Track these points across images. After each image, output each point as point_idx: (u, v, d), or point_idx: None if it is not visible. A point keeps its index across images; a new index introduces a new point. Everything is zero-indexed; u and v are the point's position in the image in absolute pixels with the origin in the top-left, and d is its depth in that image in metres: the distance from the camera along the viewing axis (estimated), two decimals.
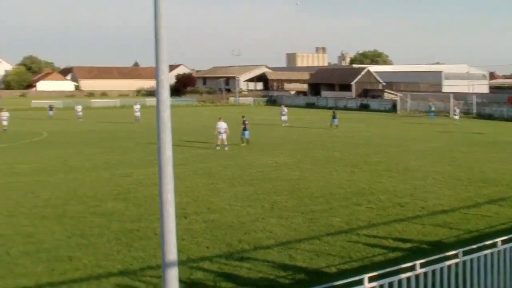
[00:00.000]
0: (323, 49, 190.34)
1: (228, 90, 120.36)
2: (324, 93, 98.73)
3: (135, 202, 19.79)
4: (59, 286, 11.83)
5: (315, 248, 14.34)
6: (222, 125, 34.09)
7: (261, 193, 21.34)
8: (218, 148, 33.73)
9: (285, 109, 54.18)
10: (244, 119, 36.27)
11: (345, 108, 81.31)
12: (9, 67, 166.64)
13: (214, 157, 31.27)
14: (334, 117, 49.36)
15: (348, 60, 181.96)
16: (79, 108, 63.57)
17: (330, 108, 65.72)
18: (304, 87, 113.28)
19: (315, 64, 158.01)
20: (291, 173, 25.97)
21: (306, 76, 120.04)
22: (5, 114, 46.57)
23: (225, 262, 13.23)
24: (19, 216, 17.78)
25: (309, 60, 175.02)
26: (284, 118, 52.55)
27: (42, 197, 20.64)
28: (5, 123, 45.72)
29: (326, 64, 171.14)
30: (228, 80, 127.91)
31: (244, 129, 35.98)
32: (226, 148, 33.63)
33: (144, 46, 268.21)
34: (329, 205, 19.21)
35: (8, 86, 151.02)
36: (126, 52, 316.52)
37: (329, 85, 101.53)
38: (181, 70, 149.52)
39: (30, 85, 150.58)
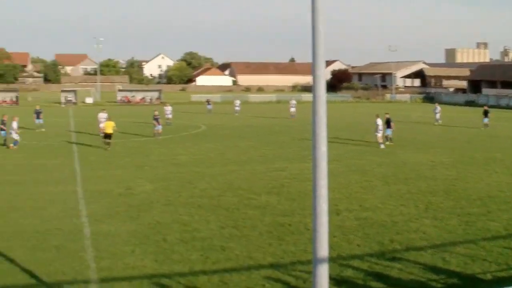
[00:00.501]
0: (485, 44, 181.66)
1: (384, 87, 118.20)
2: (485, 91, 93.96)
3: (288, 196, 20.04)
4: (211, 274, 12.22)
5: (470, 253, 13.69)
6: (379, 122, 33.65)
7: (415, 192, 20.77)
8: (382, 147, 33.20)
9: (439, 107, 52.19)
10: (388, 116, 35.18)
11: (508, 107, 76.81)
12: (171, 62, 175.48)
13: (367, 154, 30.89)
14: (485, 115, 46.74)
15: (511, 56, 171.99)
16: (237, 102, 65.22)
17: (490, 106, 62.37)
18: (464, 84, 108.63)
19: (476, 60, 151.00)
20: (447, 173, 25.02)
21: (466, 72, 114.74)
22: (169, 108, 48.91)
23: (376, 262, 13.02)
24: (177, 205, 18.68)
25: (469, 55, 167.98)
26: (437, 116, 50.69)
27: (199, 187, 21.53)
28: (169, 116, 48.01)
29: (487, 60, 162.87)
30: (384, 76, 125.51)
31: (388, 127, 34.94)
32: (381, 147, 33.01)
33: (300, 42, 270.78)
34: (487, 208, 18.25)
35: (169, 80, 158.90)
36: (283, 47, 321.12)
37: (491, 82, 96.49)
38: (337, 66, 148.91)
39: (190, 80, 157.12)
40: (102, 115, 38.30)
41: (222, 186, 21.85)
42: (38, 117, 43.36)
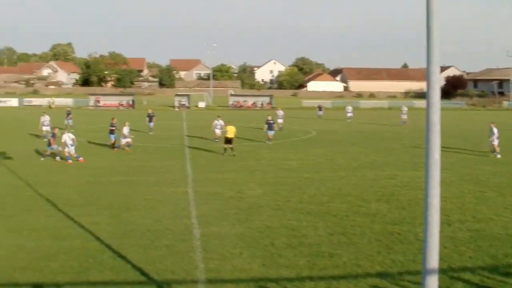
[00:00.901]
0: None
1: (502, 94, 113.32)
2: None
3: (398, 204, 19.59)
4: (318, 281, 12.10)
5: None
6: (495, 130, 32.20)
7: None
8: (498, 156, 31.77)
9: None
10: (492, 125, 33.12)
11: None
12: (282, 68, 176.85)
13: (481, 163, 29.67)
14: None
15: None
16: (349, 108, 64.58)
17: None
18: None
19: None
20: None
21: None
22: (281, 113, 49.20)
23: (488, 276, 12.41)
24: (286, 210, 18.72)
25: None
26: None
27: (308, 193, 21.48)
28: (280, 121, 48.25)
29: None
30: (501, 82, 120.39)
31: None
32: (497, 156, 31.61)
33: (414, 47, 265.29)
34: None
35: (280, 86, 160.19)
36: (395, 53, 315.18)
37: None
38: (451, 72, 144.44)
39: (301, 85, 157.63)
40: (218, 122, 38.74)
41: (331, 192, 21.69)
42: (150, 120, 44.52)
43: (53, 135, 30.71)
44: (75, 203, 19.30)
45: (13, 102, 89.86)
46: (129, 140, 33.20)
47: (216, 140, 37.07)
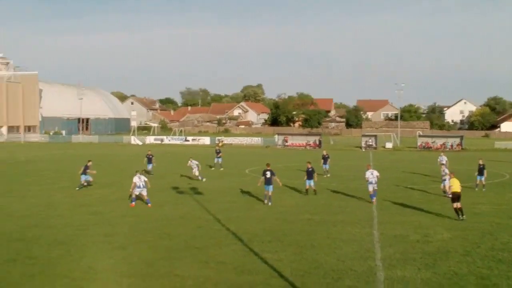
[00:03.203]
0: None
1: None
2: None
3: None
4: None
5: None
6: None
7: None
8: None
9: None
10: None
11: None
12: (473, 108, 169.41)
13: None
14: None
15: None
16: None
17: None
18: None
19: None
20: None
21: None
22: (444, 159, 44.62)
23: None
24: (475, 256, 17.54)
25: None
26: None
27: (500, 239, 20.00)
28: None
29: None
30: None
31: None
32: None
33: None
34: None
35: (471, 126, 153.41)
36: None
37: None
38: None
39: (494, 126, 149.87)
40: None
41: None
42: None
43: None
44: (261, 239, 19.70)
45: (206, 140, 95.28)
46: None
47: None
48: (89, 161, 35.25)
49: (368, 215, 24.92)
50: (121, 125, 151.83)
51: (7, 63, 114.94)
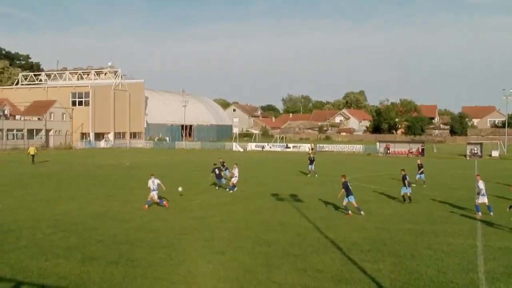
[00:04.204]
0: None
1: None
2: None
3: None
4: None
5: None
6: None
7: None
8: None
9: None
10: None
11: None
12: None
13: None
14: None
15: None
16: None
17: None
18: None
19: None
20: None
21: None
22: None
23: None
24: None
25: None
26: None
27: None
28: None
29: None
30: None
31: None
32: None
33: None
34: None
35: None
36: None
37: None
38: None
39: None
40: None
41: None
42: (420, 173, 40.17)
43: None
44: (360, 248, 19.48)
45: (307, 147, 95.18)
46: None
47: None
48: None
49: (471, 226, 24.06)
50: (223, 132, 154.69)
51: (115, 72, 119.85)
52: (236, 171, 36.33)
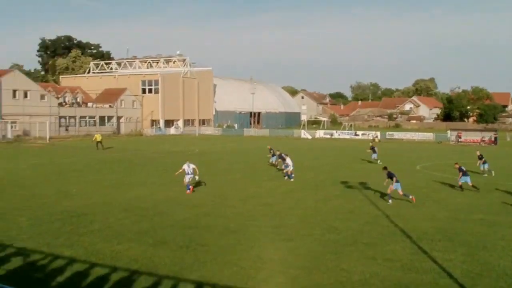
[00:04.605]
0: None
1: None
2: None
3: None
4: None
5: None
6: None
7: None
8: None
9: None
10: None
11: None
12: None
13: None
14: None
15: None
16: None
17: None
18: None
19: None
20: None
21: None
22: None
23: None
24: None
25: None
26: None
27: None
28: None
29: None
30: None
31: None
32: None
33: None
34: None
35: None
36: None
37: None
38: None
39: None
40: None
41: None
42: (483, 162, 38.99)
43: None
44: (430, 237, 19.15)
45: (371, 136, 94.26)
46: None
47: None
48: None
49: None
50: (291, 119, 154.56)
51: (184, 60, 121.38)
52: (288, 160, 36.30)
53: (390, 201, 26.69)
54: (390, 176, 27.19)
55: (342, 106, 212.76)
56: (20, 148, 66.11)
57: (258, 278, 14.43)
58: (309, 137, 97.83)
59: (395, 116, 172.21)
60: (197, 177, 30.84)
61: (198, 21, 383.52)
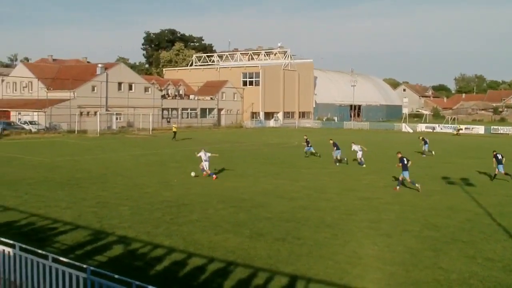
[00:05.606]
0: None
1: None
2: None
3: None
4: None
5: None
6: None
7: None
8: None
9: None
10: None
11: None
12: None
13: None
14: None
15: None
16: None
17: None
18: None
19: None
20: None
21: None
22: None
23: None
24: None
25: None
26: None
27: None
28: None
29: None
30: None
31: None
32: None
33: None
34: None
35: None
36: None
37: None
38: None
39: None
40: None
41: None
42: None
43: None
44: None
45: (480, 129, 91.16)
46: None
47: None
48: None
49: None
50: (392, 112, 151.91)
51: (285, 52, 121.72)
52: (356, 147, 39.35)
53: (417, 185, 27.84)
54: (402, 162, 28.25)
55: (445, 99, 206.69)
56: (123, 139, 68.65)
57: (354, 273, 14.32)
58: (410, 130, 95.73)
59: (500, 109, 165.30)
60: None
61: (298, 12, 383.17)
